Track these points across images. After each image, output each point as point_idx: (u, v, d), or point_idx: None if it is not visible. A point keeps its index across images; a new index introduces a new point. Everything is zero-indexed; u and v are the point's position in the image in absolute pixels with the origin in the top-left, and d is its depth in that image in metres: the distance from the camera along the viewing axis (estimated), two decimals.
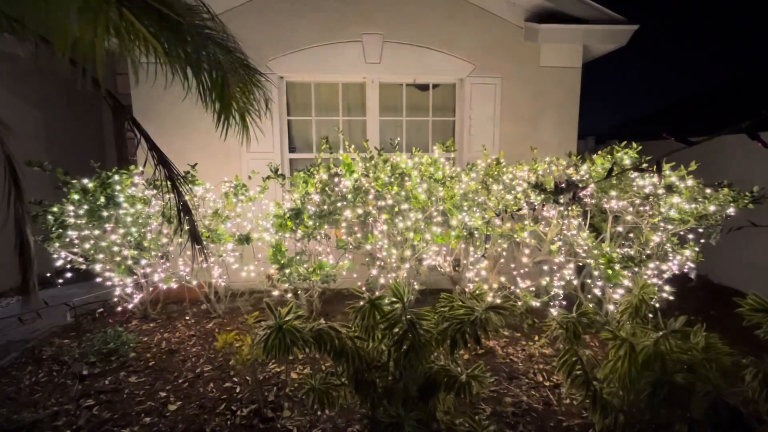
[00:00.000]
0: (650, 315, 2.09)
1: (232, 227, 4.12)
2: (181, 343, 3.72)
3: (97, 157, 4.14)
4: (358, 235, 3.97)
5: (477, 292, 1.95)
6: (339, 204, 3.85)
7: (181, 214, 2.67)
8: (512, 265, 4.08)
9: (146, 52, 2.09)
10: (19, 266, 2.51)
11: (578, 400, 2.82)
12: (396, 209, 3.88)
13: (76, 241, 3.85)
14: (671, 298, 3.59)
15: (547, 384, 3.06)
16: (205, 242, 3.91)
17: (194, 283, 4.16)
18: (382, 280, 3.96)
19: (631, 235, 3.86)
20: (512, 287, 3.93)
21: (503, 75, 4.93)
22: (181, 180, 2.74)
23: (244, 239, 3.97)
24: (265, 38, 4.71)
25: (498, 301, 1.84)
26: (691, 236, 3.68)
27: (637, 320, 2.06)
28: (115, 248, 3.93)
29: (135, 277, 4.10)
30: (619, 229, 3.86)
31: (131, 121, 2.75)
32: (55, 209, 3.76)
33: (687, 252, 3.55)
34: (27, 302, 2.58)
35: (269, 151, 4.83)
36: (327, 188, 3.89)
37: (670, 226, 3.55)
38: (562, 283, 3.77)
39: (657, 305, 3.36)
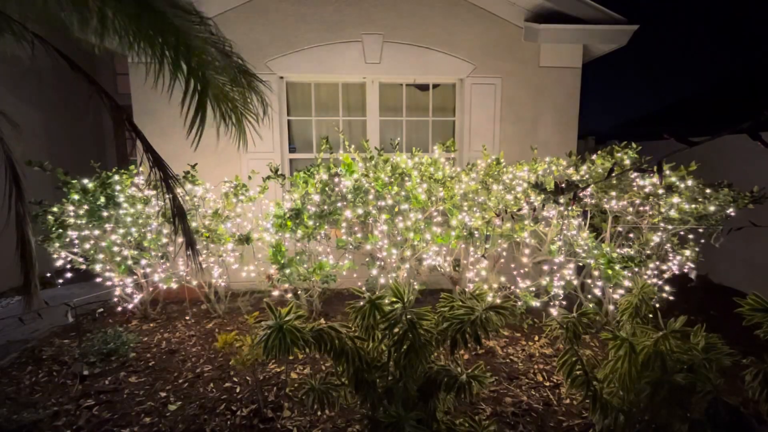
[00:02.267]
0: (650, 315, 2.09)
1: (232, 227, 4.12)
2: (181, 343, 3.72)
3: (97, 157, 4.15)
4: (358, 235, 3.97)
5: (477, 292, 1.95)
6: (339, 204, 3.85)
7: (176, 218, 2.66)
8: (512, 265, 4.08)
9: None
10: (20, 266, 2.50)
11: (578, 400, 2.83)
12: (396, 209, 3.88)
13: (76, 241, 3.85)
14: (671, 298, 3.59)
15: (547, 384, 3.06)
16: (205, 242, 3.91)
17: (194, 283, 4.16)
18: (382, 280, 3.96)
19: (631, 235, 3.86)
20: (512, 287, 3.93)
21: (503, 75, 4.93)
22: (177, 182, 2.73)
23: (244, 239, 3.97)
24: (265, 38, 4.71)
25: (498, 301, 1.84)
26: (691, 236, 3.69)
27: (637, 320, 2.06)
28: (115, 248, 3.93)
29: (135, 277, 4.10)
30: (619, 229, 3.87)
31: (128, 122, 2.74)
32: (55, 209, 3.76)
33: (687, 252, 3.55)
34: (28, 302, 2.57)
35: (269, 151, 4.83)
36: (327, 188, 3.89)
37: (670, 226, 3.55)
38: (562, 283, 3.77)
39: (657, 305, 3.37)
